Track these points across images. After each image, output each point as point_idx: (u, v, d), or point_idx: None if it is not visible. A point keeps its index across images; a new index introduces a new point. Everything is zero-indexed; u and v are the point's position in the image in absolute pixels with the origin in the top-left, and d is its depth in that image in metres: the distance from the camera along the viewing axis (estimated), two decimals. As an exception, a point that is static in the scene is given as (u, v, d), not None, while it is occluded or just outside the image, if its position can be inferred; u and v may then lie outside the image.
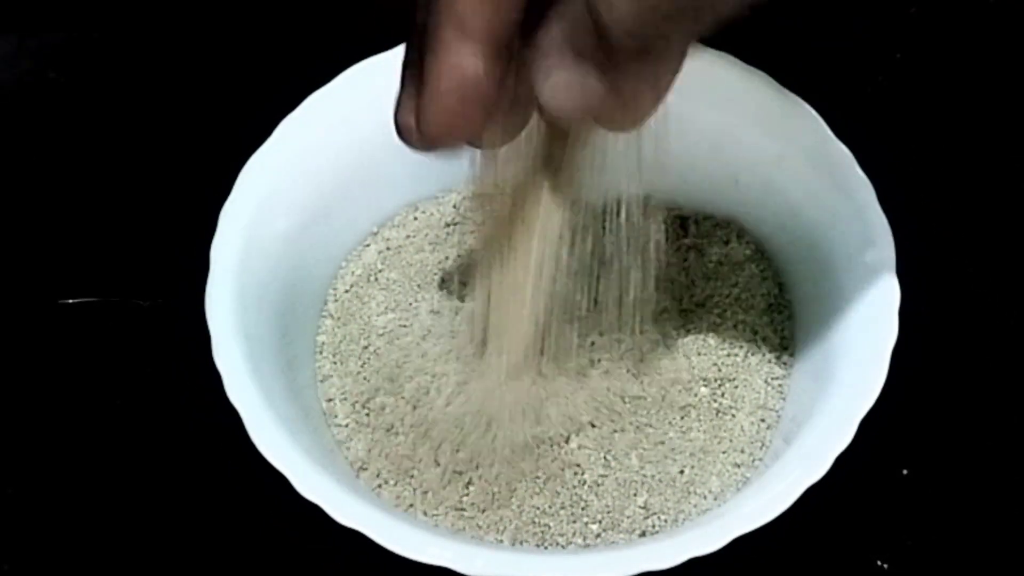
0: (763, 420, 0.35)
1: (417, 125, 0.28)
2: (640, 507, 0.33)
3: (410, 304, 0.37)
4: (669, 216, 0.38)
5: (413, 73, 0.28)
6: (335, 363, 0.36)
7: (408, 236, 0.39)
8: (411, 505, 0.33)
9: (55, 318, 0.40)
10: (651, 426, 0.35)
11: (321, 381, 0.36)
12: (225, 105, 0.44)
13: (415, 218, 0.39)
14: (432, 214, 0.39)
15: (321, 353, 0.37)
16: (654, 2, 0.25)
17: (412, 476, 0.34)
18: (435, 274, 0.38)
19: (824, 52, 0.44)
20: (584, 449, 0.34)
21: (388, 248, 0.39)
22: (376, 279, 0.38)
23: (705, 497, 0.33)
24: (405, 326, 0.37)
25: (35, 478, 0.37)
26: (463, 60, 0.27)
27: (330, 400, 0.36)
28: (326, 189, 0.37)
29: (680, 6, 0.25)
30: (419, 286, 0.38)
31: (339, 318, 0.37)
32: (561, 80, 0.28)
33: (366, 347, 0.37)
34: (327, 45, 0.40)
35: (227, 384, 0.31)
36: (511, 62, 0.29)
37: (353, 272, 0.38)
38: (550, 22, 0.28)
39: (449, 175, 0.38)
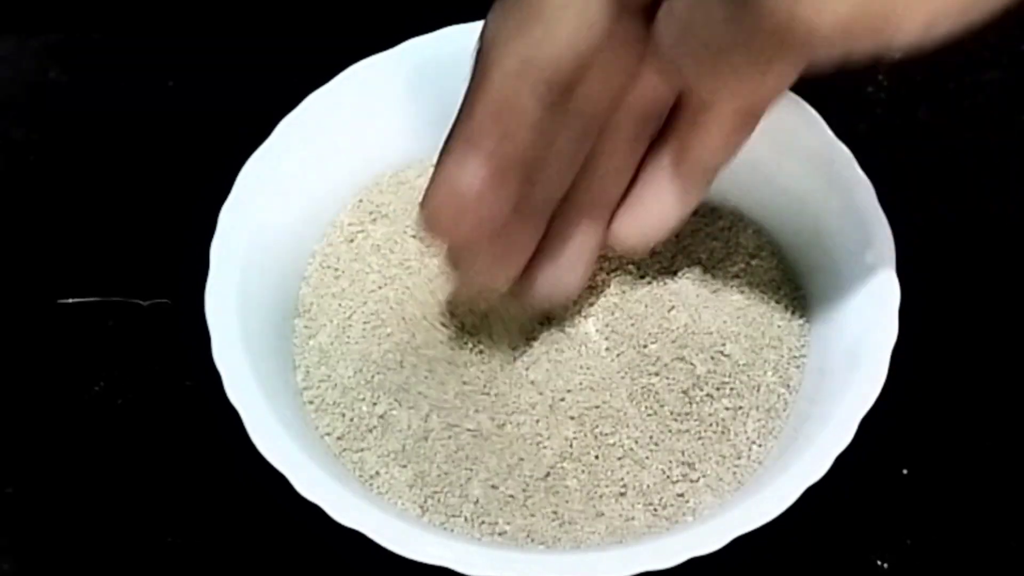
0: (763, 420, 0.35)
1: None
2: (638, 507, 0.33)
3: (416, 314, 0.37)
4: None
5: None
6: (332, 364, 0.36)
7: (420, 252, 0.39)
8: (412, 507, 0.33)
9: (55, 318, 0.40)
10: (650, 426, 0.35)
11: (319, 382, 0.36)
12: (225, 105, 0.44)
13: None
14: None
15: (317, 356, 0.36)
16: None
17: (412, 477, 0.34)
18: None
19: (824, 52, 0.44)
20: (581, 450, 0.34)
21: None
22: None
23: (705, 498, 0.33)
24: (405, 326, 0.37)
25: (35, 478, 0.37)
26: (462, 173, 0.27)
27: (328, 402, 0.36)
28: (326, 188, 0.37)
29: None
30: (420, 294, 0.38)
31: (338, 320, 0.37)
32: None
33: (364, 349, 0.36)
34: (327, 45, 0.40)
35: (227, 384, 0.31)
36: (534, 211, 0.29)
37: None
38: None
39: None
